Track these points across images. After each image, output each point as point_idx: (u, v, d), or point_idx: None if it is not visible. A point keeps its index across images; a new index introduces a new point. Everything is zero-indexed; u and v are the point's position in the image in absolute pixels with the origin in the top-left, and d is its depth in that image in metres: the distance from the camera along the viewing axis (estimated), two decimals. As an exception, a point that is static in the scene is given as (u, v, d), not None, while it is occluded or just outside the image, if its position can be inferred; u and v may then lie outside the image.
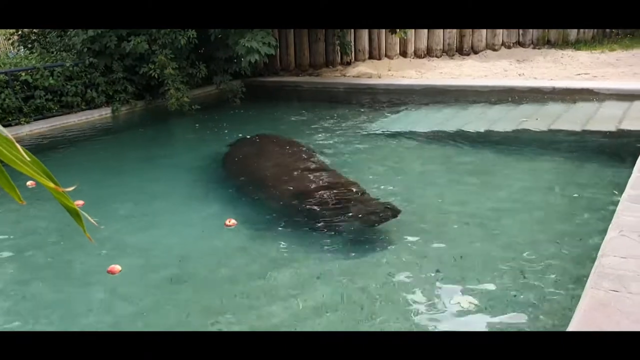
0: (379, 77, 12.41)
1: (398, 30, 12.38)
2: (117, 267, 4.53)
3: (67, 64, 10.25)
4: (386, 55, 14.16)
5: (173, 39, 10.69)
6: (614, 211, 4.22)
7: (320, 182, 5.73)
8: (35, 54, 11.02)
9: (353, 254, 4.59)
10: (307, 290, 4.11)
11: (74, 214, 1.25)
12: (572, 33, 13.78)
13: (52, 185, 1.17)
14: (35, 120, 9.80)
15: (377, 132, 8.61)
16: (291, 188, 5.61)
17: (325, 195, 5.35)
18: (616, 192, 4.65)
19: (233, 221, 5.25)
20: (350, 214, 4.99)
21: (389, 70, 13.01)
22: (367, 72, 12.87)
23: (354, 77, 12.79)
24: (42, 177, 1.17)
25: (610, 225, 3.90)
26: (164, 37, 10.60)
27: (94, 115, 10.45)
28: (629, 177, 4.88)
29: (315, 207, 5.19)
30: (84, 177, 7.04)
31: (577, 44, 13.57)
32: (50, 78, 9.94)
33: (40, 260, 4.89)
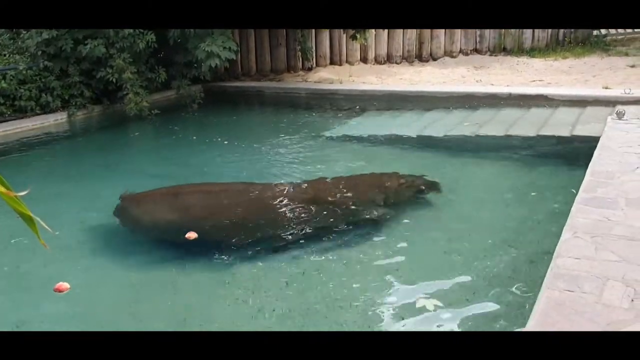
0: (340, 83, 12.47)
1: (359, 36, 12.48)
2: (65, 285, 4.20)
3: (21, 67, 9.93)
4: (347, 61, 14.24)
5: (132, 43, 10.48)
6: (568, 213, 4.35)
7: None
8: (-14, 57, 10.66)
9: (312, 259, 4.60)
10: (265, 296, 4.09)
11: (28, 219, 1.21)
12: (527, 41, 14.17)
13: (3, 190, 1.14)
14: (-14, 125, 9.47)
15: (338, 136, 8.64)
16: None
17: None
18: (574, 191, 4.79)
19: (193, 234, 4.87)
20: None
21: (350, 76, 13.09)
22: (328, 78, 12.92)
23: (315, 82, 12.81)
24: (-7, 182, 1.13)
25: (564, 228, 4.01)
26: (122, 40, 10.37)
27: (49, 120, 10.14)
28: (582, 180, 5.04)
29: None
30: (39, 184, 6.83)
31: (531, 52, 13.95)
32: (3, 81, 9.61)
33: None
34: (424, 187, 5.86)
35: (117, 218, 5.36)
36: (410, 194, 5.76)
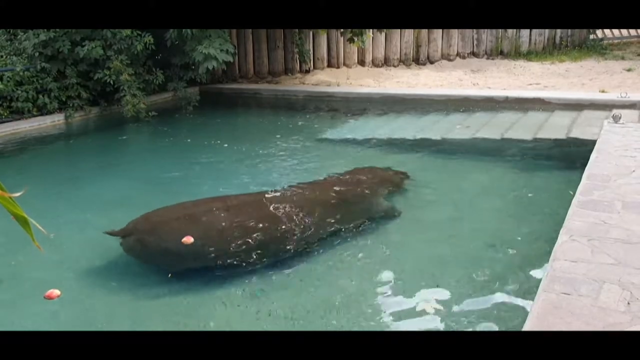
0: (338, 85, 12.49)
1: (356, 39, 12.51)
2: (56, 292, 4.08)
3: (18, 69, 9.91)
4: (344, 64, 14.26)
5: (129, 45, 10.48)
6: (565, 216, 4.35)
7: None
8: (-17, 58, 10.64)
9: (309, 263, 4.59)
10: (265, 298, 4.09)
11: (22, 221, 1.21)
12: (524, 44, 14.22)
13: (-2, 191, 1.13)
14: (-17, 126, 9.44)
15: (334, 139, 8.65)
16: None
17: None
18: (571, 192, 4.80)
19: (190, 239, 4.56)
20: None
21: (348, 78, 13.11)
22: (325, 80, 12.94)
23: (313, 85, 12.83)
24: (-12, 183, 1.13)
25: (561, 230, 4.02)
26: (119, 42, 10.37)
27: (46, 122, 10.13)
28: (578, 183, 5.05)
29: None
30: (35, 185, 6.80)
31: (528, 55, 14.00)
32: (0, 83, 9.60)
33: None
34: (405, 177, 6.29)
35: (135, 255, 4.61)
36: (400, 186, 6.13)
